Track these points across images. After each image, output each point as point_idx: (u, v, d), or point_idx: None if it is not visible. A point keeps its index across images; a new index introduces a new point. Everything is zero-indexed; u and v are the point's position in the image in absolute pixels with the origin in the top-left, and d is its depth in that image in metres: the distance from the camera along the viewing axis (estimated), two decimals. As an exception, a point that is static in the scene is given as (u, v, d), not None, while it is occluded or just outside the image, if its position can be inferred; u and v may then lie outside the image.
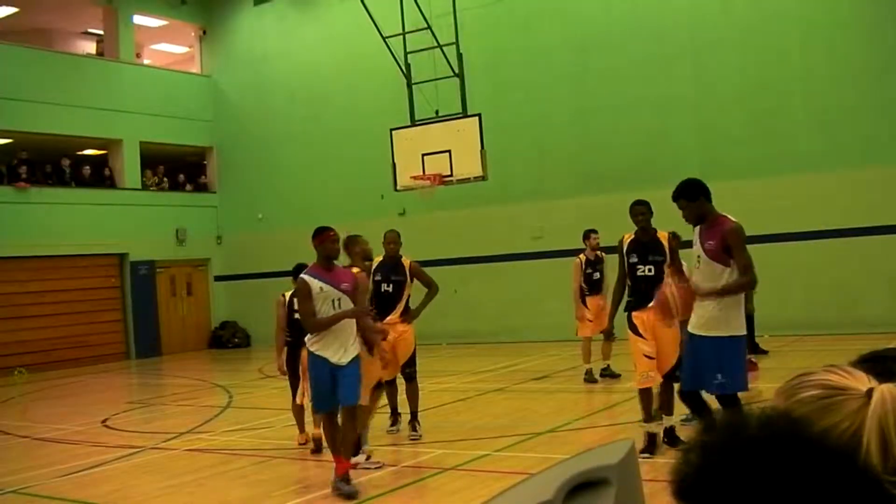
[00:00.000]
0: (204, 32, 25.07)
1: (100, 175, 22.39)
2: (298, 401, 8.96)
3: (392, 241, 9.30)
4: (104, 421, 12.16)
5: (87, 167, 22.10)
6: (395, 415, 9.64)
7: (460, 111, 14.81)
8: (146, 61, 26.34)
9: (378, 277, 9.20)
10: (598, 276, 11.86)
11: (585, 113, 18.49)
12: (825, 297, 15.65)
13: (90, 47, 25.20)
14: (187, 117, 23.99)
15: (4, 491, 8.10)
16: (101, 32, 24.16)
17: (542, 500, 0.91)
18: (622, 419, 9.44)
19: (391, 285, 9.23)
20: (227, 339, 23.69)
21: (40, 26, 23.55)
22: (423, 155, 14.53)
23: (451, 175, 14.43)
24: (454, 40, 14.98)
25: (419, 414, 9.31)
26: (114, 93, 22.39)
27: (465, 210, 18.98)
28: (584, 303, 11.76)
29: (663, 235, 8.09)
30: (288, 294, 8.98)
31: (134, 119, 22.61)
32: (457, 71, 15.06)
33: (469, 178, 14.51)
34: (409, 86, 15.40)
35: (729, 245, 6.43)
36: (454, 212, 19.03)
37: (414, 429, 9.21)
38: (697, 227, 6.70)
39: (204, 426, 10.71)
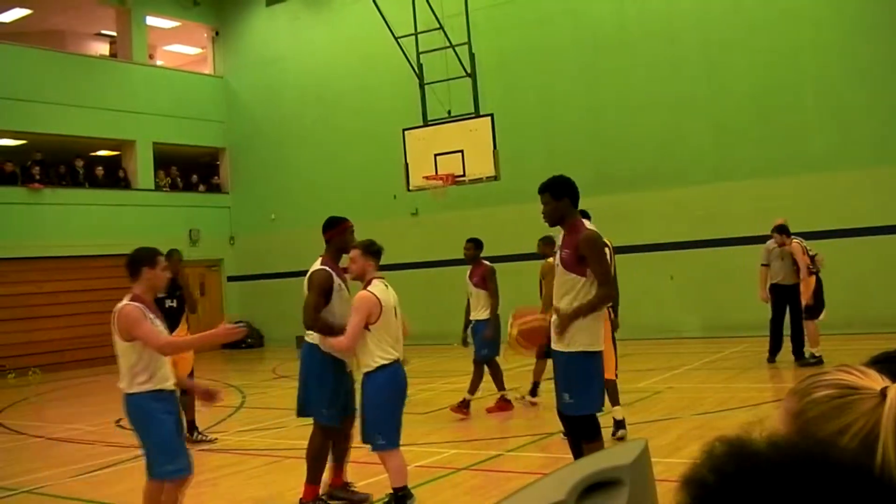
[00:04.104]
0: (216, 33, 25.15)
1: (113, 176, 22.48)
2: None
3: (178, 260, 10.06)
4: (118, 421, 12.17)
5: (101, 168, 22.19)
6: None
7: (473, 111, 14.81)
8: (159, 62, 26.44)
9: (163, 294, 9.62)
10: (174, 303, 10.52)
11: (598, 113, 18.48)
12: (839, 297, 15.57)
13: (103, 49, 25.29)
14: (200, 118, 24.07)
15: (19, 491, 8.14)
16: (114, 34, 24.26)
17: (555, 501, 0.91)
18: (635, 419, 9.41)
19: (175, 300, 9.92)
20: (240, 339, 23.73)
21: (53, 28, 23.66)
22: (436, 155, 14.54)
23: (463, 175, 14.43)
24: (466, 40, 14.98)
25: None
26: (127, 94, 22.47)
27: (478, 210, 18.97)
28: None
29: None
30: None
31: (147, 120, 22.69)
32: (469, 71, 15.06)
33: (481, 178, 14.50)
34: (422, 86, 15.41)
35: (583, 255, 5.88)
36: (467, 212, 19.02)
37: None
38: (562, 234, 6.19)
39: (217, 426, 10.73)
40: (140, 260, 5.95)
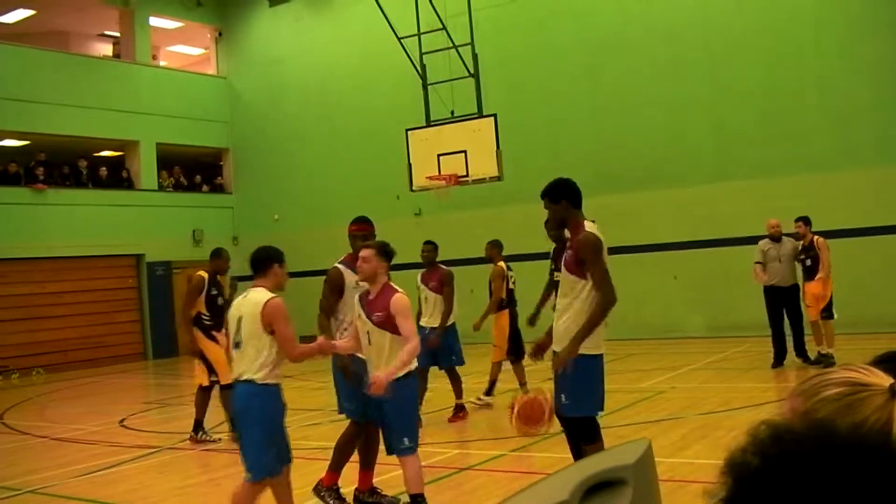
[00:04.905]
0: (220, 34, 25.16)
1: (117, 176, 22.51)
2: None
3: None
4: (121, 421, 12.21)
5: (104, 168, 22.23)
6: None
7: (476, 111, 14.79)
8: (162, 63, 26.46)
9: (216, 291, 10.09)
10: None
11: (600, 113, 18.48)
12: (842, 297, 15.51)
13: (107, 49, 25.33)
14: (203, 118, 24.09)
15: (23, 490, 8.15)
16: (118, 34, 24.29)
17: (559, 501, 0.91)
18: (638, 419, 9.42)
19: (221, 297, 10.14)
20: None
21: (57, 29, 23.69)
22: (439, 155, 14.53)
23: (466, 175, 14.42)
24: (469, 41, 14.98)
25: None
26: (130, 94, 22.50)
27: (481, 210, 18.97)
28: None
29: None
30: None
31: (150, 120, 22.71)
32: (472, 71, 15.05)
33: (485, 179, 14.49)
34: (425, 86, 15.40)
35: (581, 258, 5.72)
36: (470, 212, 19.02)
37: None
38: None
39: (220, 427, 10.72)
40: (271, 256, 5.94)
